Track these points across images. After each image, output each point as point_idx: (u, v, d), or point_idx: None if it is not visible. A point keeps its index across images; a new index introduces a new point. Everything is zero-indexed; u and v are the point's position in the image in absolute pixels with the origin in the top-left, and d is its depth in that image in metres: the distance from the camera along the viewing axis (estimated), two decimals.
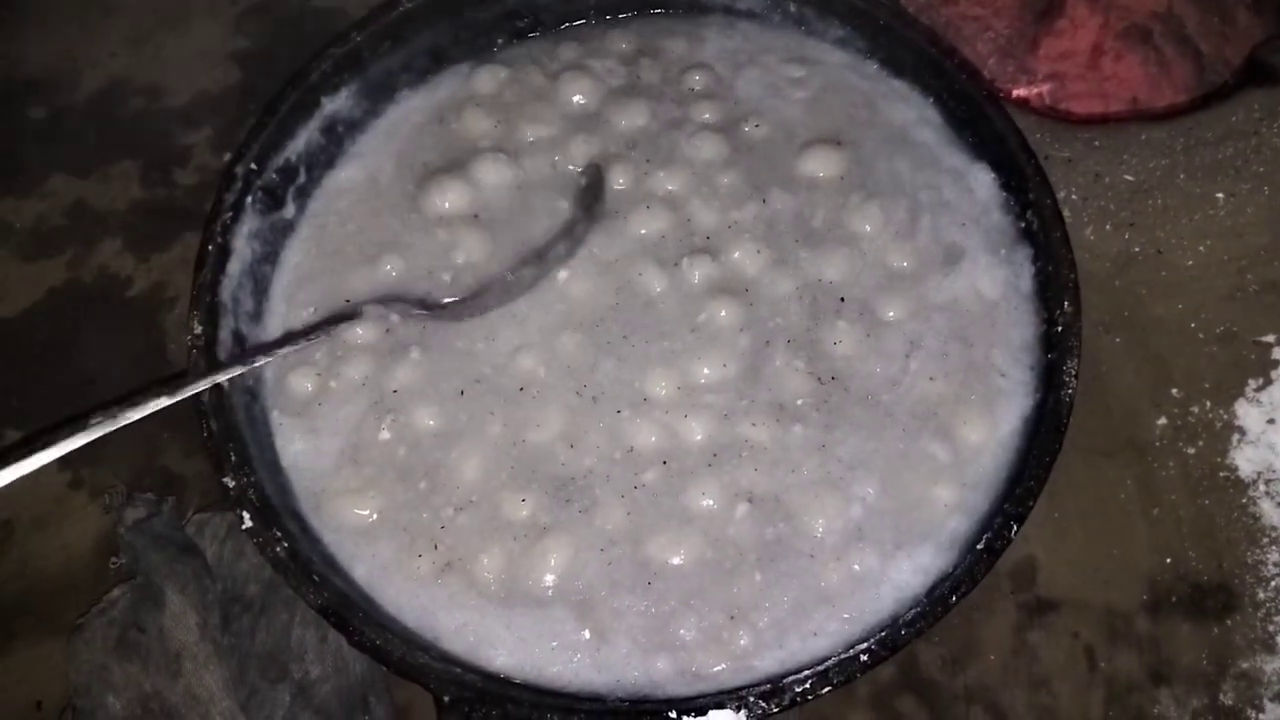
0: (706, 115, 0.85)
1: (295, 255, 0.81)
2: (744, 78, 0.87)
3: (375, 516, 0.72)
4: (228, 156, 0.97)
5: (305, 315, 0.79)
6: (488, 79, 0.88)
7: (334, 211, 0.83)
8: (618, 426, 0.74)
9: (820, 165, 0.82)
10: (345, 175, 0.85)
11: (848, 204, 0.81)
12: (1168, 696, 0.74)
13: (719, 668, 0.67)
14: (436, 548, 0.70)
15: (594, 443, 0.73)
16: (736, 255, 0.79)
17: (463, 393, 0.75)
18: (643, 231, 0.80)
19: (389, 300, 0.77)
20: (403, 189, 0.83)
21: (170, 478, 0.84)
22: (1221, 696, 0.74)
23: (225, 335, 0.75)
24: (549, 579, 0.69)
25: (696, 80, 0.87)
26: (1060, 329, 0.73)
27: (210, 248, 0.76)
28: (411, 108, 0.87)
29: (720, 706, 0.62)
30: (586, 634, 0.68)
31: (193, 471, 0.84)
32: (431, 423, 0.74)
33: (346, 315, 0.76)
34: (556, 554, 0.70)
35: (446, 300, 0.78)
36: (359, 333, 0.77)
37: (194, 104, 1.02)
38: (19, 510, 0.83)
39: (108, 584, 0.77)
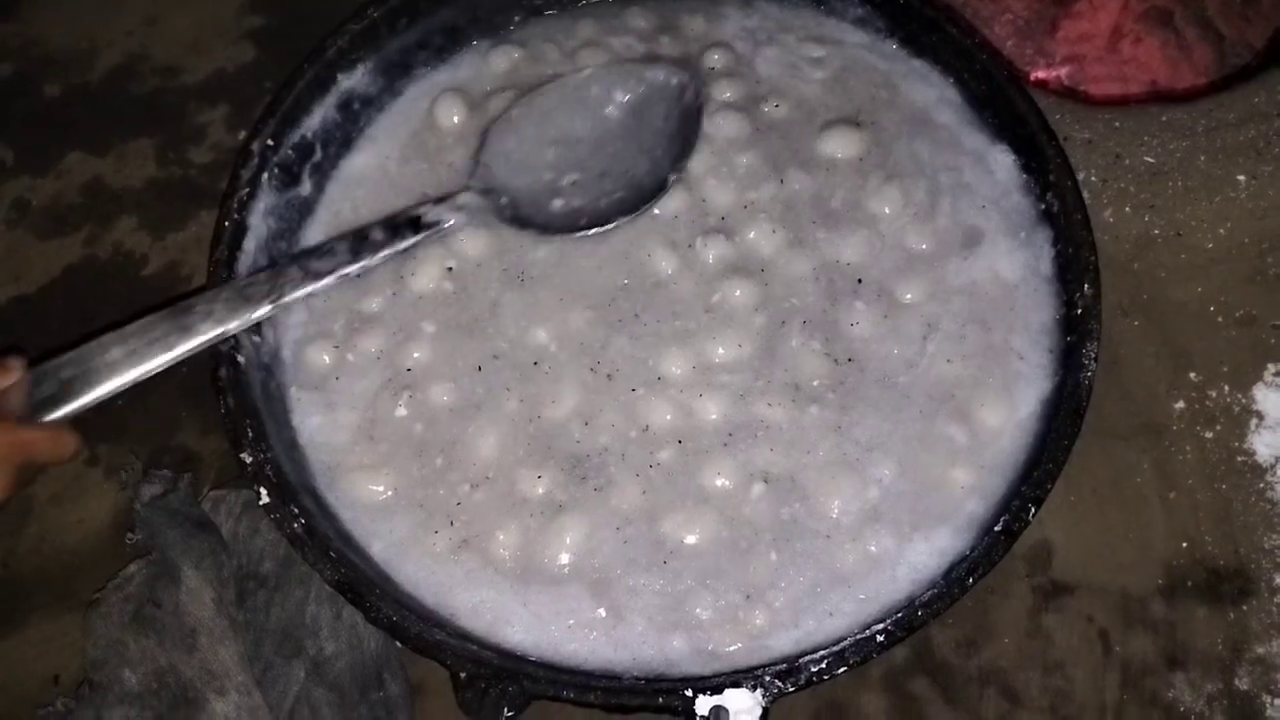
0: (727, 94, 0.84)
1: (317, 235, 0.82)
2: (763, 57, 0.86)
3: (391, 493, 0.72)
4: (243, 135, 0.97)
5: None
6: (503, 59, 0.87)
7: (350, 198, 0.83)
8: (633, 405, 0.74)
9: (840, 146, 0.82)
10: (361, 161, 0.85)
11: (867, 185, 0.80)
12: (1183, 681, 0.74)
13: (734, 647, 0.67)
14: (453, 524, 0.71)
15: (609, 421, 0.73)
16: (752, 235, 0.79)
17: (480, 368, 0.75)
18: (656, 211, 0.80)
19: (489, 191, 0.79)
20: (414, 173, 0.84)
21: (187, 455, 0.84)
22: (1237, 681, 0.74)
23: None
24: (565, 557, 0.69)
25: (716, 59, 0.86)
26: (1080, 312, 0.73)
27: (226, 224, 0.76)
28: (430, 85, 0.87)
29: (736, 685, 0.62)
30: (602, 612, 0.68)
31: (208, 449, 0.84)
32: (447, 398, 0.74)
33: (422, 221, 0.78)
34: (572, 532, 0.70)
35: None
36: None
37: (209, 82, 1.02)
38: (36, 486, 0.83)
39: (124, 559, 0.78)
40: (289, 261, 0.75)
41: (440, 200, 0.79)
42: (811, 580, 0.68)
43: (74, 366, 0.68)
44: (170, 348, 0.69)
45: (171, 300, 0.72)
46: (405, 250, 0.77)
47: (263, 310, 0.72)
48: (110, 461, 0.85)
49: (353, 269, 0.75)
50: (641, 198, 0.79)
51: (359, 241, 0.76)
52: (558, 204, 0.80)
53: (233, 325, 0.71)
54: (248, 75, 1.02)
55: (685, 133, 0.82)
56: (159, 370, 0.69)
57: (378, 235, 0.76)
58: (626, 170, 0.81)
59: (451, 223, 0.78)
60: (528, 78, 0.86)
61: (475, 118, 0.85)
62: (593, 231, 0.78)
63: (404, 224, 0.77)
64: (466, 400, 0.74)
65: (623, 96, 0.83)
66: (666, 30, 0.88)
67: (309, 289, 0.74)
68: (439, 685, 0.74)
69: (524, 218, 0.79)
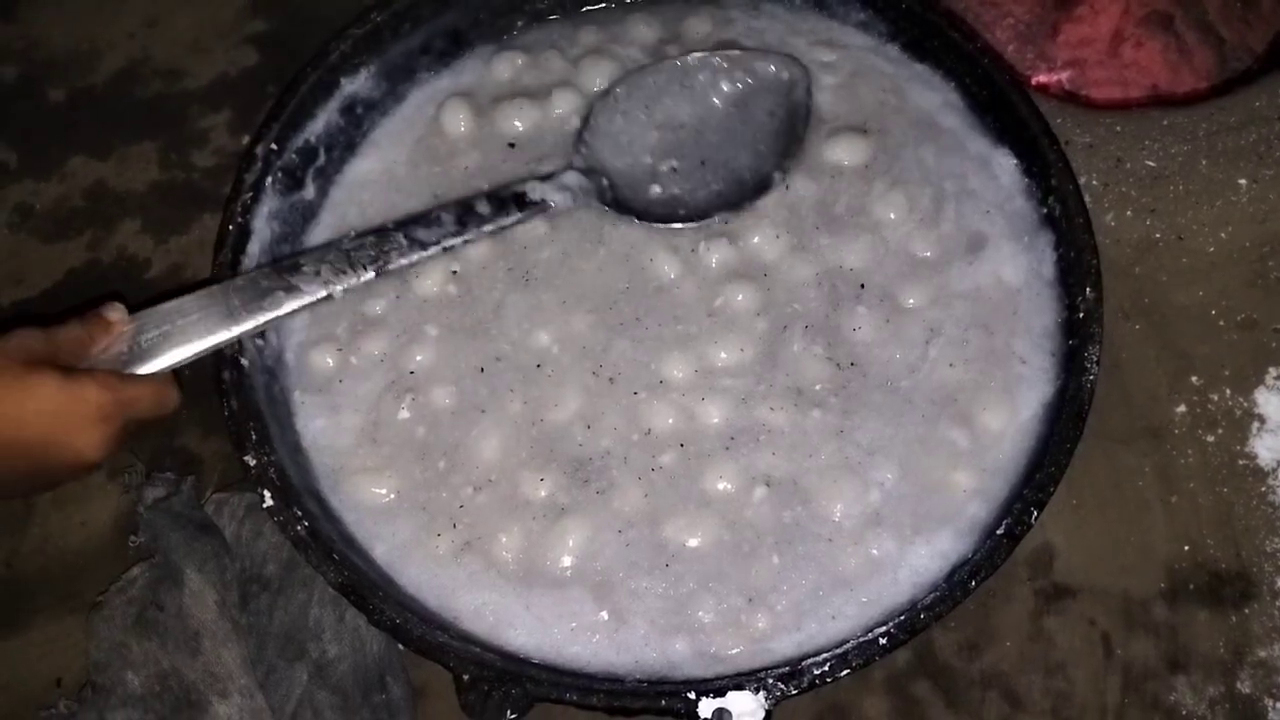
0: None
1: (320, 239, 0.82)
2: None
3: (393, 496, 0.72)
4: (246, 139, 0.97)
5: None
6: (506, 65, 0.87)
7: (355, 201, 0.83)
8: (635, 408, 0.74)
9: (846, 153, 0.82)
10: (366, 166, 0.85)
11: (872, 191, 0.80)
12: (1184, 684, 0.74)
13: (736, 650, 0.67)
14: (455, 527, 0.71)
15: (611, 424, 0.73)
16: (755, 240, 0.79)
17: (482, 370, 0.75)
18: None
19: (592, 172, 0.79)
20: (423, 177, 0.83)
21: (189, 458, 0.84)
22: (1239, 685, 0.74)
23: None
24: (567, 560, 0.70)
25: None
26: (1081, 315, 0.73)
27: (230, 227, 0.76)
28: (434, 90, 0.87)
29: (739, 688, 0.62)
30: (604, 615, 0.68)
31: (211, 452, 0.84)
32: (449, 401, 0.74)
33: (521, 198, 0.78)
34: (574, 535, 0.70)
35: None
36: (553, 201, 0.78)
37: (212, 86, 1.02)
38: None
39: (127, 562, 0.77)
40: (395, 228, 0.75)
41: (546, 178, 0.79)
42: (813, 583, 0.68)
43: (174, 318, 0.68)
44: (277, 305, 0.70)
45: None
46: (509, 226, 0.77)
47: (367, 275, 0.72)
48: (113, 464, 0.84)
49: (457, 241, 0.75)
50: (742, 193, 0.80)
51: (465, 212, 0.76)
52: (655, 190, 0.80)
53: (338, 288, 0.72)
54: (250, 79, 1.02)
55: (791, 129, 0.81)
56: (261, 329, 0.70)
57: (483, 208, 0.77)
58: (727, 162, 0.81)
59: (555, 203, 0.78)
60: (531, 85, 0.86)
61: (481, 124, 0.85)
62: (691, 225, 0.78)
63: (509, 199, 0.77)
64: (469, 403, 0.74)
65: (729, 86, 0.83)
66: (672, 40, 0.88)
67: (414, 258, 0.74)
68: (441, 688, 0.74)
69: (623, 200, 0.79)
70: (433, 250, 0.75)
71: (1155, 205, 0.88)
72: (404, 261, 0.74)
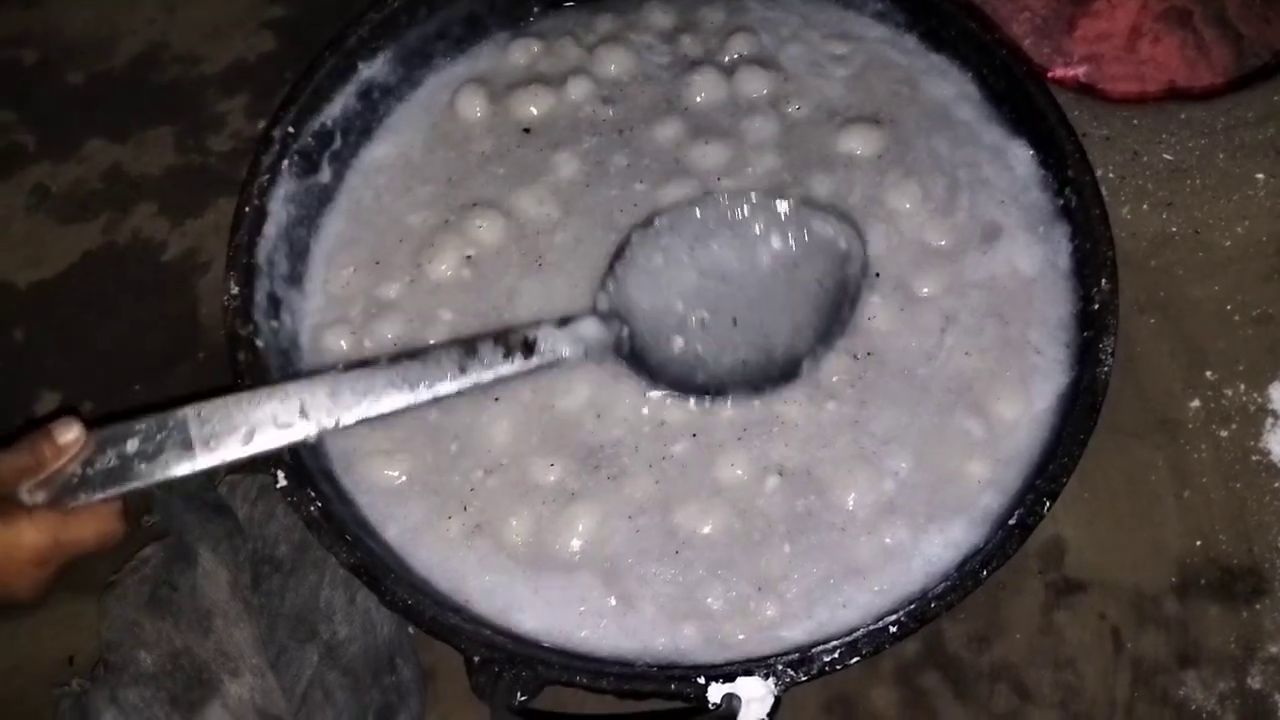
0: (750, 91, 0.84)
1: (336, 223, 0.82)
2: (787, 54, 0.86)
3: (405, 478, 0.72)
4: (262, 123, 0.97)
5: (346, 275, 0.79)
6: (522, 52, 0.88)
7: (371, 186, 0.83)
8: (645, 399, 0.73)
9: (859, 143, 0.81)
10: (381, 151, 0.85)
11: (885, 181, 0.80)
12: (1194, 679, 0.74)
13: (744, 637, 0.67)
14: (466, 510, 0.71)
15: (622, 415, 0.73)
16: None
17: None
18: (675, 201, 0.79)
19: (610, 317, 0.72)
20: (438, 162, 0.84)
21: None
22: (1249, 680, 0.74)
23: (261, 297, 0.75)
24: (576, 544, 0.70)
25: (740, 55, 0.86)
26: (1097, 307, 0.73)
27: (247, 209, 0.77)
28: (450, 76, 0.87)
29: (749, 673, 0.62)
30: (613, 600, 0.68)
31: None
32: None
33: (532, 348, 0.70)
34: (584, 519, 0.70)
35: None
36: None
37: (229, 71, 1.02)
38: None
39: (141, 542, 0.77)
40: (389, 363, 0.67)
41: (563, 322, 0.71)
42: (825, 572, 0.68)
43: (131, 441, 0.62)
44: (246, 443, 0.63)
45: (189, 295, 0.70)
46: (512, 378, 0.70)
47: (346, 422, 0.65)
48: None
49: (452, 390, 0.67)
50: (766, 371, 0.73)
51: (467, 355, 0.68)
52: (679, 342, 0.73)
53: (311, 433, 0.65)
54: (267, 65, 1.02)
55: (837, 307, 0.74)
56: (220, 468, 0.64)
57: (487, 352, 0.68)
58: (760, 325, 0.74)
59: (567, 355, 0.71)
60: (546, 71, 0.86)
61: (497, 110, 0.85)
62: (702, 403, 0.72)
63: (518, 345, 0.69)
64: None
65: (780, 242, 0.75)
66: (688, 29, 0.88)
67: (400, 406, 0.66)
68: (451, 670, 0.75)
69: (641, 353, 0.73)
70: (423, 399, 0.67)
71: (1172, 199, 0.87)
72: (385, 410, 0.66)
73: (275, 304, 0.77)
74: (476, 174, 0.82)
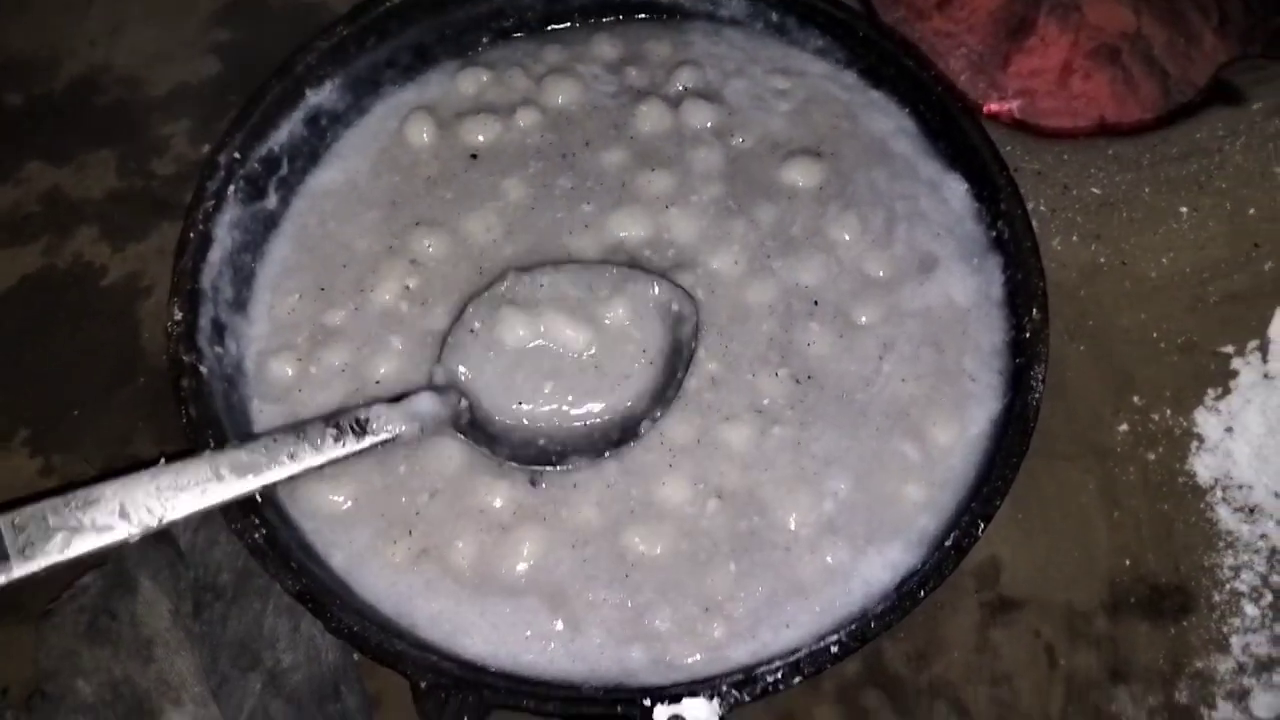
0: (696, 123, 0.86)
1: (282, 248, 0.82)
2: (731, 88, 0.88)
3: (350, 504, 0.72)
4: (206, 147, 0.97)
5: (291, 302, 0.79)
6: (471, 81, 0.88)
7: (317, 211, 0.83)
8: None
9: (801, 175, 0.83)
10: (329, 176, 0.85)
11: (826, 213, 0.82)
12: (1125, 694, 0.76)
13: (694, 658, 0.68)
14: (411, 534, 0.71)
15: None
16: (714, 262, 0.80)
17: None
18: (622, 235, 0.81)
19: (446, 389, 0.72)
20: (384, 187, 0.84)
21: (142, 465, 0.83)
22: (1177, 695, 0.76)
23: (205, 323, 0.75)
24: (521, 567, 0.70)
25: (686, 88, 0.88)
26: (1029, 335, 0.75)
27: (191, 235, 0.76)
28: (398, 103, 0.88)
29: (694, 694, 0.63)
30: (559, 624, 0.68)
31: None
32: None
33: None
34: (529, 543, 0.70)
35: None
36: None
37: (173, 95, 1.02)
38: None
39: (78, 570, 0.76)
40: (211, 454, 0.66)
41: (397, 399, 0.71)
42: (770, 590, 0.69)
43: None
44: (64, 547, 0.61)
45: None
46: (346, 459, 0.68)
47: (147, 526, 0.63)
48: (64, 471, 0.84)
49: (279, 477, 0.66)
50: (607, 434, 0.73)
51: (297, 442, 0.67)
52: (524, 408, 0.73)
53: (114, 539, 0.62)
54: (211, 88, 1.02)
55: (671, 370, 0.75)
56: (44, 569, 0.61)
57: (318, 437, 0.68)
58: (600, 390, 0.74)
59: (402, 433, 0.70)
60: (495, 101, 0.87)
61: (445, 137, 0.86)
62: (545, 469, 0.72)
63: (349, 427, 0.69)
64: None
65: (619, 305, 0.75)
66: (634, 60, 0.90)
67: (224, 499, 0.65)
68: (397, 697, 0.75)
69: (481, 423, 0.73)
70: (250, 488, 0.65)
71: (1100, 231, 0.90)
72: (213, 502, 0.65)
73: (220, 330, 0.76)
74: (424, 197, 0.83)
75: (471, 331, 0.75)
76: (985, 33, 1.04)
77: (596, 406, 0.74)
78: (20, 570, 0.60)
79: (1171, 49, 1.04)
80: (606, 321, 0.75)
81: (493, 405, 0.74)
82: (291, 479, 0.67)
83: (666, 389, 0.74)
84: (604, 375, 0.74)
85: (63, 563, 0.61)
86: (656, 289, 0.76)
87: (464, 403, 0.73)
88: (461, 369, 0.74)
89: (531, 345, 0.75)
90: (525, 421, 0.73)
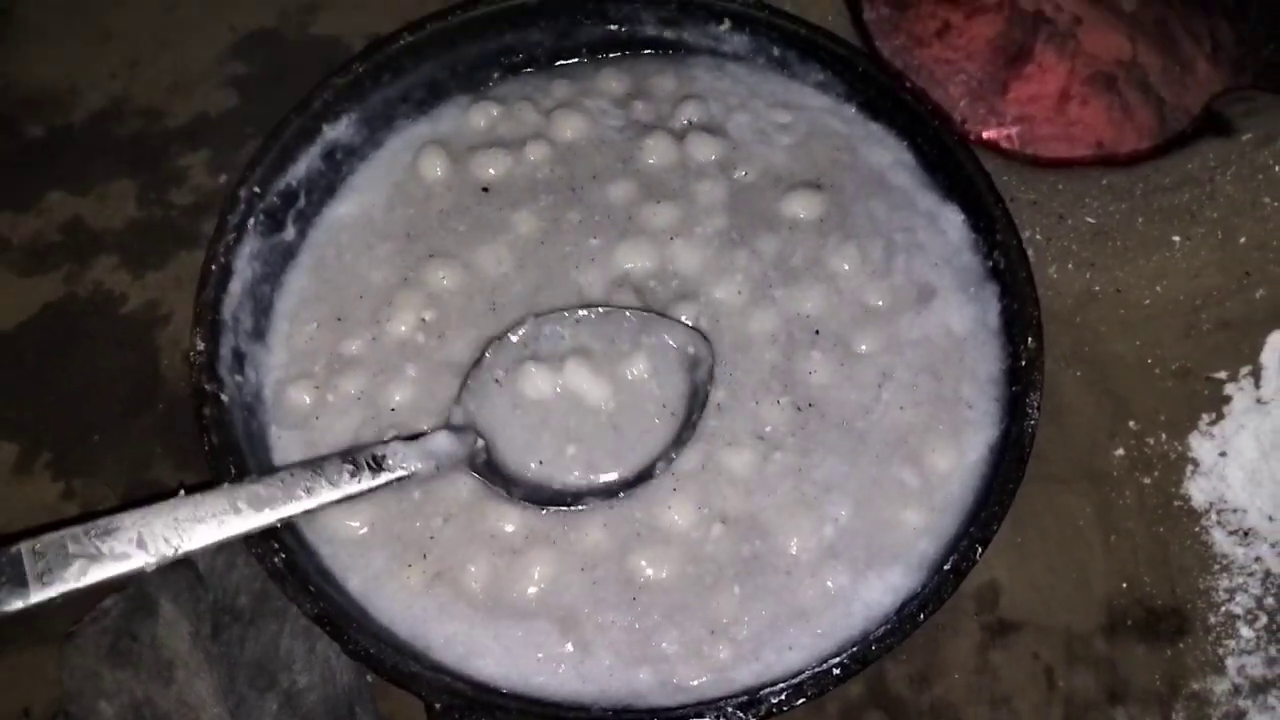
0: (700, 156, 0.88)
1: (299, 279, 0.84)
2: (734, 122, 0.90)
3: (366, 529, 0.74)
4: (224, 178, 0.99)
5: (309, 331, 0.81)
6: (481, 115, 0.90)
7: (334, 243, 0.85)
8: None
9: (802, 207, 0.85)
10: (344, 209, 0.87)
11: (826, 244, 0.84)
12: (1123, 716, 0.78)
13: (700, 680, 0.69)
14: (426, 557, 0.73)
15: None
16: (717, 292, 0.82)
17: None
18: (628, 266, 0.83)
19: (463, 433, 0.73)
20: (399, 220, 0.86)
21: (162, 490, 0.85)
22: (1174, 716, 0.77)
23: (225, 352, 0.77)
24: (532, 591, 0.72)
25: (690, 122, 0.90)
26: (1024, 363, 0.77)
27: (213, 267, 0.78)
28: (411, 137, 0.90)
29: (700, 716, 0.65)
30: (570, 646, 0.70)
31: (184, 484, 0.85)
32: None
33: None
34: (540, 566, 0.72)
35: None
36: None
37: (191, 126, 1.04)
38: (12, 519, 0.84)
39: (100, 593, 0.78)
40: (230, 487, 0.68)
41: (414, 437, 0.73)
42: (772, 614, 0.71)
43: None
44: (81, 575, 0.63)
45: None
46: (362, 496, 0.70)
47: (164, 556, 0.65)
48: (85, 495, 0.86)
49: (294, 512, 0.68)
50: (622, 475, 0.75)
51: (313, 478, 0.69)
52: (543, 469, 0.75)
53: (131, 568, 0.64)
54: (229, 120, 1.04)
55: (687, 413, 0.77)
56: (50, 601, 0.63)
57: (335, 473, 0.69)
58: (616, 431, 0.76)
59: (418, 471, 0.72)
60: (505, 135, 0.89)
61: (457, 170, 0.88)
62: (558, 510, 0.73)
63: (365, 463, 0.70)
64: None
65: (632, 349, 0.78)
66: (640, 95, 0.92)
67: (236, 533, 0.66)
68: (410, 718, 0.76)
69: (496, 464, 0.74)
70: (267, 522, 0.67)
71: (1095, 260, 0.92)
72: (229, 535, 0.66)
73: (240, 359, 0.78)
74: (437, 230, 0.85)
75: (496, 381, 0.77)
76: (984, 60, 1.07)
77: (617, 470, 0.75)
78: (38, 596, 0.62)
79: (1166, 76, 1.05)
80: (629, 378, 0.77)
81: (511, 458, 0.75)
82: (307, 513, 0.69)
83: (682, 432, 0.76)
84: (623, 435, 0.76)
85: (80, 589, 0.63)
86: (672, 339, 0.78)
87: (480, 443, 0.75)
88: (481, 414, 0.76)
89: (552, 398, 0.77)
90: (545, 463, 0.75)
